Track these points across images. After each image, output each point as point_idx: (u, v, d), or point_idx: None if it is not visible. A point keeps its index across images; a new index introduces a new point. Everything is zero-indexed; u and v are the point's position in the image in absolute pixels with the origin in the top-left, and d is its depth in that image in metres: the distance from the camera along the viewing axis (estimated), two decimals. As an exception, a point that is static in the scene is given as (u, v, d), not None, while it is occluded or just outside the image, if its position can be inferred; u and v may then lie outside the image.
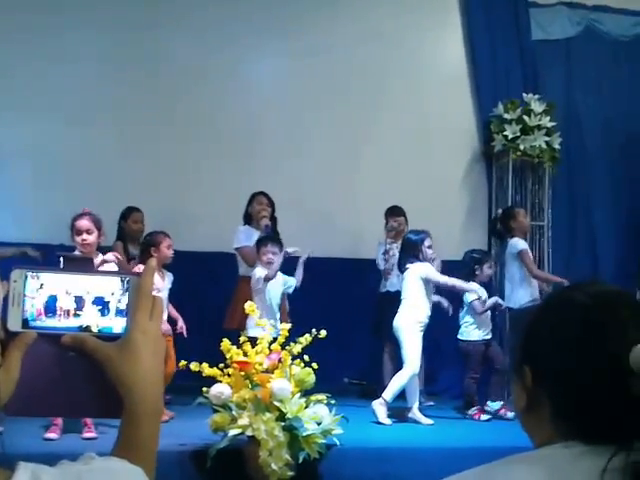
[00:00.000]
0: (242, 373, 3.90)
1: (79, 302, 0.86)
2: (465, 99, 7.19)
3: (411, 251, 5.31)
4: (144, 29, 6.56)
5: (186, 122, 6.59)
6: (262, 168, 6.57)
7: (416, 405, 5.15)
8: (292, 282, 5.33)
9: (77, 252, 4.37)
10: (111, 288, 0.87)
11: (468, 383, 5.50)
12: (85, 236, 4.36)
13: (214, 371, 3.94)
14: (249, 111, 6.73)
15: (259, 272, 5.20)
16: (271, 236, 5.44)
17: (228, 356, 3.95)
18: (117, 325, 0.87)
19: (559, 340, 1.02)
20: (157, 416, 0.86)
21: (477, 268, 5.63)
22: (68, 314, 0.86)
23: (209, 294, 5.90)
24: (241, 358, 3.93)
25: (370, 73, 6.91)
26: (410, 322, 5.16)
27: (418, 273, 5.22)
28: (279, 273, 5.30)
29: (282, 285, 5.29)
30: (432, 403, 5.82)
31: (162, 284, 5.08)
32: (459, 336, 5.63)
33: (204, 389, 3.95)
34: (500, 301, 5.66)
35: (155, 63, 6.58)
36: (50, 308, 0.86)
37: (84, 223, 4.39)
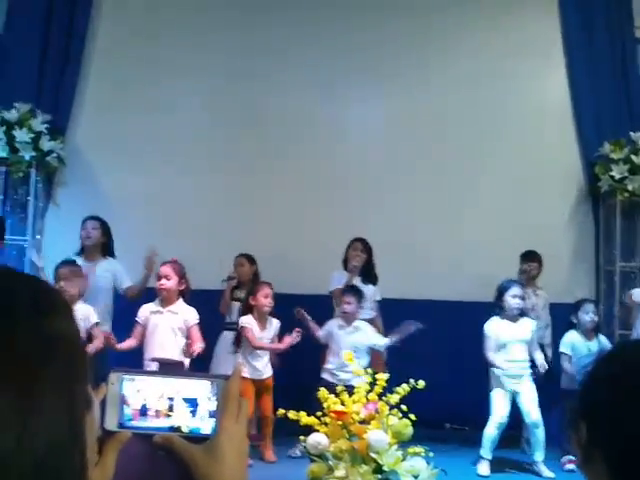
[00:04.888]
0: (339, 423, 3.92)
1: (171, 403, 0.91)
2: (570, 139, 6.99)
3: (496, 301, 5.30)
4: (254, 78, 6.75)
5: (294, 170, 6.73)
6: (366, 213, 6.64)
7: (539, 457, 5.09)
8: (380, 343, 5.35)
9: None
10: (201, 390, 0.92)
11: None
12: (163, 281, 4.79)
13: (312, 420, 3.97)
14: (353, 157, 6.82)
15: (330, 323, 5.44)
16: (350, 286, 5.58)
17: (325, 405, 3.98)
18: (206, 426, 0.91)
19: (619, 391, 0.93)
20: None
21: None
22: (160, 414, 0.91)
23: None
24: (338, 407, 3.95)
25: (470, 117, 6.84)
26: (493, 371, 5.21)
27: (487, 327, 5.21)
28: (365, 327, 5.40)
29: (357, 338, 5.32)
30: None
31: (260, 333, 5.21)
32: None
33: (302, 437, 3.99)
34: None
35: (263, 112, 6.75)
36: (144, 409, 0.91)
37: (162, 269, 4.85)
